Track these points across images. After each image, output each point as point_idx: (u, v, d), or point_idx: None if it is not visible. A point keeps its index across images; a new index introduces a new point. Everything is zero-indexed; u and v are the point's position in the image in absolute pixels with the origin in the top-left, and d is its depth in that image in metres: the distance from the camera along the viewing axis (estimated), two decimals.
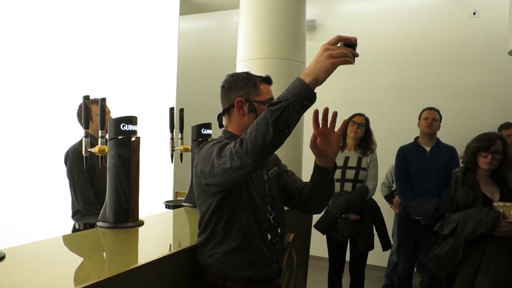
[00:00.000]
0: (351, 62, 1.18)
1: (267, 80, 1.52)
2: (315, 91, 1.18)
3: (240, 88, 1.49)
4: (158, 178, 4.11)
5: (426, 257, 2.56)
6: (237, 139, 1.25)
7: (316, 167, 1.46)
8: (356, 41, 1.19)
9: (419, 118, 3.41)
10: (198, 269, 1.54)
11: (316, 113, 1.37)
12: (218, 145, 1.34)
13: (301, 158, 3.58)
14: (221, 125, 1.58)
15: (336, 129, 1.44)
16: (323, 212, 3.23)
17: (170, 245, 1.71)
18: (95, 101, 2.47)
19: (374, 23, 4.85)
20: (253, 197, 1.46)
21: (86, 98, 1.89)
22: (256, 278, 1.45)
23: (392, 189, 3.95)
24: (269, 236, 1.48)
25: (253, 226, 1.45)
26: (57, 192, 3.33)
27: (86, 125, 1.88)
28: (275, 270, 1.51)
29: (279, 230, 1.53)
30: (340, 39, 1.19)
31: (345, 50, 1.17)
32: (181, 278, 1.55)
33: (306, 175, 3.68)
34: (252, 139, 1.18)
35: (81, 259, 1.44)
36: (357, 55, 1.18)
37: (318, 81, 1.17)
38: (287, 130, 1.18)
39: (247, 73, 1.53)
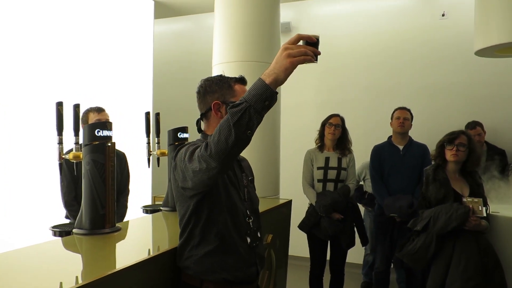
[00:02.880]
0: (312, 60, 1.16)
1: (241, 81, 1.54)
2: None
3: (215, 91, 1.50)
4: (135, 183, 4.08)
5: (401, 253, 2.64)
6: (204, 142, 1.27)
7: None
8: (318, 39, 1.17)
9: (392, 118, 3.49)
10: (178, 272, 1.55)
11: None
12: (191, 148, 1.35)
13: (278, 153, 3.61)
14: (200, 130, 1.60)
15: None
16: (306, 213, 3.29)
17: (149, 249, 1.71)
18: (94, 109, 2.71)
19: (348, 24, 4.94)
20: (232, 200, 1.48)
21: (59, 104, 1.87)
22: (233, 281, 1.47)
23: (360, 183, 4.03)
24: (249, 240, 1.51)
25: (232, 229, 1.47)
26: (37, 199, 3.29)
27: (59, 132, 1.86)
28: (252, 273, 1.53)
29: (258, 234, 1.57)
30: (300, 37, 1.17)
31: (304, 48, 1.14)
32: (160, 282, 1.55)
33: (283, 169, 3.69)
34: (216, 142, 1.20)
35: (57, 266, 1.42)
36: (318, 53, 1.16)
37: (278, 81, 1.16)
38: (249, 131, 1.18)
39: (220, 76, 1.55)
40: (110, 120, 2.62)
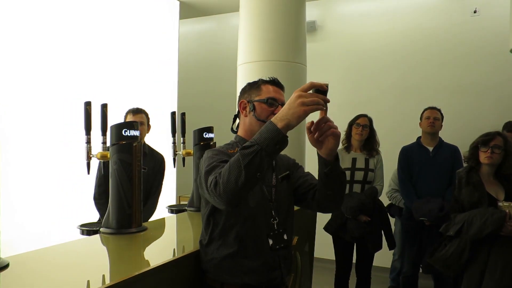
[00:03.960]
0: (323, 108, 1.21)
1: (271, 82, 1.51)
2: None
3: (246, 91, 1.54)
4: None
5: (432, 259, 2.54)
6: (217, 174, 1.24)
7: (318, 157, 1.36)
8: (327, 87, 1.22)
9: (421, 118, 3.40)
10: (203, 274, 1.53)
11: (309, 125, 1.32)
12: (214, 160, 1.35)
13: (303, 153, 3.57)
14: (233, 131, 1.60)
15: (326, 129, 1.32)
16: (332, 214, 3.23)
17: (174, 250, 1.70)
18: (131, 111, 2.82)
19: (374, 23, 4.84)
20: (254, 201, 1.43)
21: (87, 104, 1.88)
22: (255, 285, 1.43)
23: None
24: (271, 242, 1.44)
25: (252, 231, 1.43)
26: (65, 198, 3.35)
27: (87, 131, 1.87)
28: (276, 277, 1.46)
29: (284, 236, 1.48)
30: (312, 85, 1.21)
31: (317, 98, 1.18)
32: (185, 284, 1.54)
33: (308, 170, 3.68)
34: (225, 182, 1.19)
35: (84, 266, 1.43)
36: (328, 101, 1.21)
37: (290, 126, 1.18)
38: (259, 173, 1.19)
39: (260, 78, 1.56)
40: (146, 122, 2.80)
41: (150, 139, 2.98)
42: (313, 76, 4.40)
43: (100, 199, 2.70)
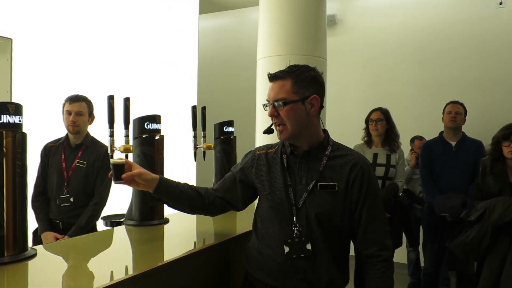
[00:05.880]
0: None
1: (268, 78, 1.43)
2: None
3: None
4: (180, 176, 4.14)
5: (452, 244, 2.53)
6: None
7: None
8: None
9: (443, 112, 3.34)
10: (225, 264, 1.55)
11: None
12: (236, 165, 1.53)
13: None
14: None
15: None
16: None
17: (195, 242, 1.72)
18: (71, 99, 2.46)
19: (395, 16, 4.76)
20: (271, 203, 1.40)
21: (111, 98, 1.91)
22: (272, 285, 1.40)
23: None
24: (287, 249, 1.35)
25: (267, 234, 1.42)
26: None
27: (111, 125, 1.90)
28: (290, 286, 1.37)
29: (307, 246, 1.35)
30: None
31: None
32: (206, 275, 1.56)
33: None
34: None
35: (108, 256, 1.46)
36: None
37: None
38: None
39: None
40: (86, 112, 2.47)
41: (172, 133, 3.00)
42: (333, 69, 4.39)
43: (37, 201, 2.43)
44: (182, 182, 1.53)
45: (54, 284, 1.20)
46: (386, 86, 4.78)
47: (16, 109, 1.30)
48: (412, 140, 4.10)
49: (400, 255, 3.79)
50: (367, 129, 3.25)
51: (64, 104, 2.47)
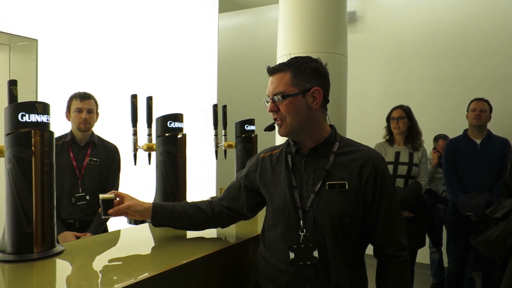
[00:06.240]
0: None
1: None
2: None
3: None
4: (201, 175, 4.17)
5: (476, 240, 2.48)
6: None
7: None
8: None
9: (467, 110, 3.27)
10: (244, 266, 1.54)
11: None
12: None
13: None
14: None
15: None
16: None
17: (216, 242, 1.73)
18: (81, 96, 2.44)
19: (417, 11, 4.68)
20: (276, 207, 1.33)
21: (134, 96, 1.94)
22: None
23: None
24: (292, 255, 1.27)
25: (272, 239, 1.34)
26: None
27: (134, 123, 1.93)
28: None
29: (314, 254, 1.25)
30: None
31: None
32: (228, 274, 1.56)
33: None
34: None
35: (133, 254, 1.47)
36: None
37: None
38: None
39: None
40: (95, 109, 2.47)
41: (192, 132, 3.02)
42: (354, 67, 4.34)
43: None
44: (181, 202, 1.52)
45: (82, 281, 1.22)
46: (408, 83, 4.70)
47: (44, 108, 1.33)
48: (436, 139, 4.03)
49: (423, 255, 3.73)
50: (388, 127, 3.22)
51: (71, 102, 2.43)
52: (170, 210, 1.45)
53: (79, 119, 2.40)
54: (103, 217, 1.42)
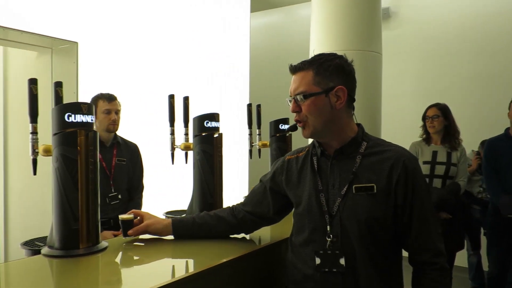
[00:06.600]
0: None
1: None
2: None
3: None
4: (235, 174, 4.19)
5: None
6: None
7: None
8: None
9: (509, 108, 3.15)
10: (276, 268, 1.53)
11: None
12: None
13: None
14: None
15: None
16: None
17: (249, 243, 1.73)
18: (108, 97, 2.48)
19: (452, 7, 4.54)
20: (303, 212, 1.30)
21: (171, 97, 1.97)
22: None
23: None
24: (318, 261, 1.23)
25: (300, 245, 1.31)
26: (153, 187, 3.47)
27: (171, 123, 1.96)
28: None
29: (341, 261, 1.21)
30: None
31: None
32: (256, 277, 1.55)
33: None
34: None
35: (169, 253, 1.49)
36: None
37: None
38: None
39: None
40: (120, 110, 2.52)
41: (225, 131, 3.04)
42: (388, 64, 4.25)
43: None
44: (201, 213, 1.53)
45: (125, 276, 1.26)
46: (445, 80, 4.57)
47: (89, 109, 1.37)
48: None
49: (461, 259, 3.62)
50: (424, 126, 3.14)
51: (97, 103, 2.45)
52: (190, 223, 1.48)
53: (108, 120, 2.46)
54: (123, 237, 1.48)
